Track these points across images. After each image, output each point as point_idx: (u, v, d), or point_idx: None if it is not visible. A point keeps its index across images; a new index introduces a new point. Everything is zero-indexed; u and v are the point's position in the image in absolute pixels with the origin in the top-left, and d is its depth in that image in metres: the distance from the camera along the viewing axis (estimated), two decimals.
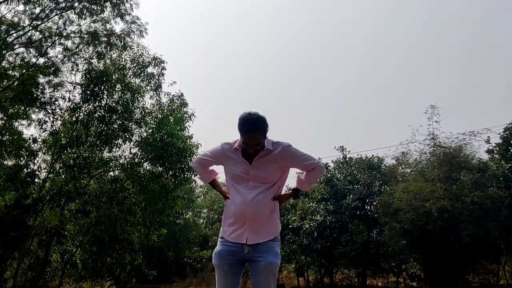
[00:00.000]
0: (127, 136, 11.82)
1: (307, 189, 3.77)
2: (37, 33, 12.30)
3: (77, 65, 12.30)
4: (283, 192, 3.67)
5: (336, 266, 20.83)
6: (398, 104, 58.37)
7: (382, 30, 64.31)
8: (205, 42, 70.00)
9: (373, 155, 22.17)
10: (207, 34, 71.56)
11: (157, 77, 12.41)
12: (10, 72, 12.51)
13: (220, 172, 3.93)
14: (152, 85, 12.39)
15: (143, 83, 12.30)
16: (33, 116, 13.25)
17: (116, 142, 11.82)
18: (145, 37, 12.72)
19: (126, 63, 12.24)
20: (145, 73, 12.30)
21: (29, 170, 11.38)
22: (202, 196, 32.33)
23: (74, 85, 11.60)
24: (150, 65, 12.38)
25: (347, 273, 21.83)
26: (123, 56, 12.32)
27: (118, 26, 12.50)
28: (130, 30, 12.30)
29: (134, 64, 12.29)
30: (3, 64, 12.30)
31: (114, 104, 11.57)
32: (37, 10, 11.94)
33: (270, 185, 3.44)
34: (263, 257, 3.33)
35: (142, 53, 12.42)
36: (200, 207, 33.41)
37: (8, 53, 12.16)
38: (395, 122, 56.63)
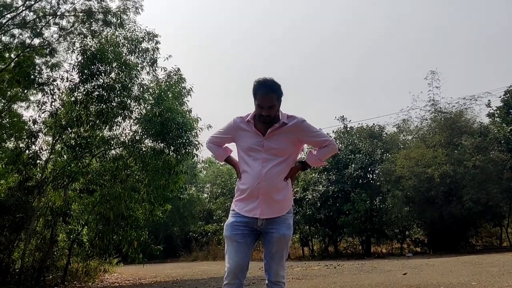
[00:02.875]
0: (127, 114, 11.76)
1: (317, 165, 3.70)
2: (31, 13, 12.14)
3: (73, 44, 12.17)
4: None
5: (340, 235, 21.06)
6: (398, 70, 58.04)
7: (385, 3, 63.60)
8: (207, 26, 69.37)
9: (374, 124, 22.23)
10: (211, 18, 70.87)
11: (152, 52, 12.29)
12: (7, 54, 12.40)
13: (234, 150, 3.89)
14: (148, 61, 12.28)
15: (138, 59, 12.18)
16: (32, 98, 13.19)
17: (116, 120, 11.77)
18: (141, 14, 12.59)
19: (120, 40, 12.10)
20: (140, 49, 12.17)
21: (31, 151, 11.36)
22: (204, 171, 32.44)
23: (71, 65, 11.48)
24: (144, 41, 12.25)
25: (351, 241, 22.08)
26: (116, 33, 12.17)
27: (113, 3, 12.34)
28: (126, 7, 12.13)
29: (127, 41, 12.15)
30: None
31: (112, 82, 11.48)
32: None
33: (283, 158, 3.41)
34: (276, 229, 3.34)
35: (135, 29, 12.28)
36: (203, 182, 33.57)
37: (2, 34, 12.03)
38: (396, 89, 56.44)
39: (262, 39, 71.09)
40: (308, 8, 68.37)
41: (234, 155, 3.75)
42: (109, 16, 11.93)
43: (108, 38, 12.05)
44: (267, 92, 3.34)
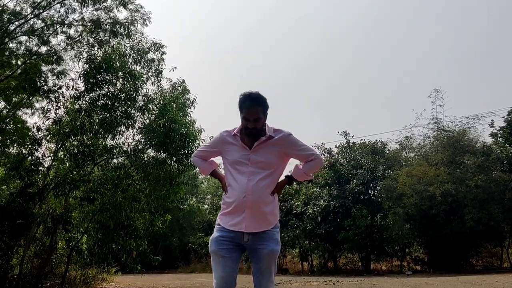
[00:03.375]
0: (130, 123, 11.80)
1: (302, 179, 3.68)
2: (39, 21, 12.26)
3: (80, 53, 12.26)
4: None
5: (340, 251, 20.95)
6: (402, 88, 58.12)
7: (386, 14, 63.89)
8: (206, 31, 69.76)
9: (376, 140, 22.22)
10: (209, 22, 71.31)
11: (157, 62, 12.34)
12: (14, 61, 12.49)
13: (220, 163, 3.89)
14: (153, 71, 12.33)
15: (144, 69, 12.25)
16: (37, 105, 13.26)
17: (119, 129, 11.81)
18: (148, 26, 12.68)
19: (126, 50, 12.18)
20: (145, 59, 12.22)
21: (33, 158, 11.39)
22: (206, 182, 32.41)
23: (77, 73, 11.56)
24: (150, 51, 12.30)
25: (351, 258, 21.95)
26: (122, 43, 12.24)
27: (121, 15, 12.43)
28: (134, 19, 12.23)
29: (133, 51, 12.22)
30: (6, 54, 12.29)
31: (117, 92, 11.54)
32: None
33: (270, 172, 3.41)
34: (264, 245, 3.33)
35: (141, 39, 12.34)
36: (204, 193, 33.53)
37: (10, 41, 12.14)
38: (399, 106, 56.49)
39: (261, 46, 71.40)
40: (309, 16, 68.70)
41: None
42: (117, 26, 12.02)
43: (115, 47, 12.12)
44: (253, 105, 3.37)
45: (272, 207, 3.42)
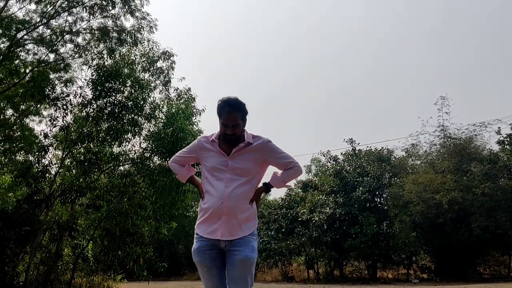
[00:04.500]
0: (137, 131, 11.84)
1: (280, 187, 3.64)
2: (48, 30, 12.36)
3: (88, 61, 12.33)
4: None
5: (346, 259, 20.84)
6: (408, 95, 58.04)
7: (393, 21, 63.92)
8: (211, 36, 70.01)
9: (382, 147, 22.14)
10: (213, 28, 71.57)
11: (166, 72, 12.37)
12: (22, 69, 12.59)
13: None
14: (162, 79, 12.37)
15: (152, 77, 12.29)
16: (44, 113, 13.34)
17: (126, 136, 11.85)
18: (155, 33, 12.73)
19: (136, 58, 12.24)
20: (155, 68, 12.27)
21: (40, 165, 11.45)
22: None
23: (85, 81, 11.63)
24: (160, 60, 12.35)
25: (357, 266, 21.83)
26: (132, 51, 12.30)
27: (128, 22, 12.50)
28: (140, 26, 12.29)
29: (144, 59, 12.28)
30: (15, 62, 12.39)
31: (124, 100, 11.59)
32: (48, 8, 11.98)
33: (248, 179, 3.36)
34: (239, 251, 3.25)
35: (152, 47, 12.38)
36: None
37: (19, 49, 12.24)
38: (405, 114, 56.38)
39: (267, 51, 71.53)
40: (314, 22, 68.85)
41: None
42: (124, 34, 12.08)
43: (122, 54, 12.19)
44: (231, 111, 3.34)
45: (249, 214, 3.37)
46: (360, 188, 19.51)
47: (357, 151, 22.40)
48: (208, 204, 3.36)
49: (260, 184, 3.54)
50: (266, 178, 3.62)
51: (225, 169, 3.36)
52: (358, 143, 22.72)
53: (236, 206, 3.29)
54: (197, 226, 3.45)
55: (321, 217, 19.84)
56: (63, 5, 11.97)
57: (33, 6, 12.10)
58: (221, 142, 3.44)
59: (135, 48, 12.30)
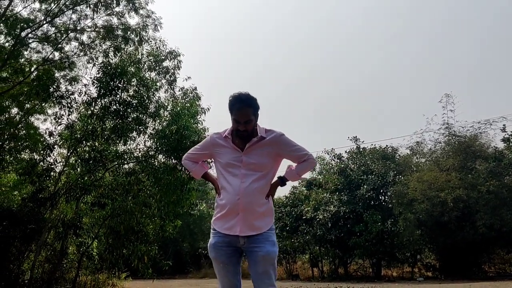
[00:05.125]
0: (142, 129, 11.85)
1: (295, 179, 3.65)
2: (53, 28, 12.37)
3: (92, 59, 12.33)
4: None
5: (351, 257, 20.84)
6: (413, 93, 57.89)
7: (398, 20, 63.76)
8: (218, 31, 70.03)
9: (387, 145, 22.12)
10: (221, 24, 71.58)
11: (172, 71, 12.37)
12: (27, 68, 12.61)
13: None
14: (168, 78, 12.37)
15: (158, 76, 12.30)
16: (49, 111, 13.36)
17: (130, 135, 11.87)
18: (160, 31, 12.72)
19: (142, 57, 12.25)
20: (161, 67, 12.28)
21: (45, 163, 11.47)
22: None
23: (90, 79, 11.64)
24: (166, 59, 12.34)
25: (361, 264, 21.82)
26: (139, 50, 12.31)
27: (133, 20, 12.50)
28: (145, 24, 12.28)
29: (150, 58, 12.30)
30: (20, 61, 12.41)
31: (129, 98, 11.61)
32: (53, 6, 11.99)
33: (263, 174, 3.34)
34: (260, 247, 3.24)
35: (159, 46, 12.38)
36: (214, 199, 33.48)
37: (23, 48, 12.26)
38: (410, 112, 56.24)
39: (272, 51, 71.41)
40: (318, 22, 68.74)
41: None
42: (129, 32, 12.08)
43: (129, 53, 12.20)
44: (243, 107, 3.30)
45: (266, 209, 3.36)
46: (365, 186, 19.50)
47: (361, 149, 22.37)
48: (224, 201, 3.36)
49: (275, 178, 3.52)
50: (280, 171, 3.60)
51: (240, 165, 3.34)
52: (363, 141, 22.69)
53: (252, 201, 3.29)
54: (213, 222, 3.45)
55: (325, 215, 19.84)
56: (67, 3, 11.97)
57: (37, 5, 12.12)
58: (234, 137, 3.41)
59: (141, 47, 12.30)
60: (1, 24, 11.94)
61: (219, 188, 3.46)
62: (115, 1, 11.92)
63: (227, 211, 3.32)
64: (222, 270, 3.35)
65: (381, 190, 20.00)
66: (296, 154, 3.50)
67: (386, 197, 20.27)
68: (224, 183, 3.39)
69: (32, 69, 12.58)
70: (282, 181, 3.55)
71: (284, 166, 3.63)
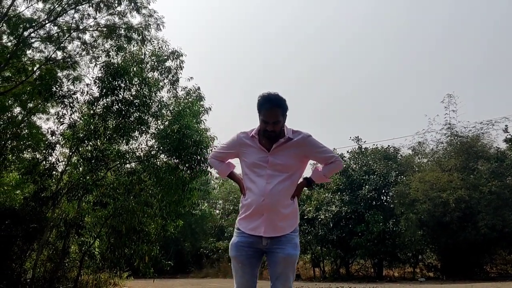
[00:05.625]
0: (144, 129, 11.86)
1: (321, 181, 3.62)
2: (55, 27, 12.39)
3: (95, 58, 12.36)
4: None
5: (352, 257, 20.83)
6: (415, 93, 57.81)
7: (401, 20, 63.69)
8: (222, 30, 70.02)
9: (389, 145, 22.08)
10: (225, 23, 71.57)
11: (174, 71, 12.39)
12: (30, 67, 12.64)
13: (237, 164, 3.82)
14: (170, 78, 12.38)
15: (161, 76, 12.32)
16: (52, 110, 13.39)
17: (133, 134, 11.88)
18: (162, 31, 12.74)
19: (145, 57, 12.27)
20: (163, 67, 12.29)
21: (47, 163, 11.49)
22: (217, 188, 32.48)
23: (92, 78, 11.66)
24: (169, 59, 12.36)
25: (363, 264, 21.82)
26: (143, 50, 12.33)
27: (135, 20, 12.51)
28: (147, 24, 12.30)
29: (153, 58, 12.32)
30: (23, 60, 12.44)
31: (131, 98, 11.63)
32: (55, 6, 12.02)
33: (288, 174, 3.32)
34: (282, 248, 3.24)
35: (162, 46, 12.40)
36: (216, 198, 33.58)
37: (26, 48, 12.28)
38: (412, 112, 56.20)
39: (274, 51, 71.36)
40: (320, 23, 68.66)
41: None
42: (131, 32, 12.10)
43: (132, 53, 12.22)
44: (272, 107, 3.29)
45: (291, 210, 3.34)
46: (366, 186, 19.48)
47: (363, 149, 22.36)
48: (249, 201, 3.35)
49: (301, 179, 3.51)
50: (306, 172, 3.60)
51: (266, 165, 3.33)
52: (365, 141, 22.68)
53: (277, 202, 3.27)
54: (238, 221, 3.44)
55: (327, 215, 19.84)
56: (70, 2, 11.99)
57: (40, 5, 12.16)
58: (261, 137, 3.40)
59: (144, 46, 12.32)
60: (4, 24, 11.97)
61: (244, 188, 3.44)
62: (116, 1, 11.94)
63: (252, 212, 3.31)
64: (240, 270, 3.34)
65: (383, 190, 19.99)
66: (323, 156, 3.48)
67: (388, 197, 20.26)
68: (249, 184, 3.39)
69: (35, 68, 12.61)
70: (308, 182, 3.54)
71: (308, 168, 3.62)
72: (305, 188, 3.64)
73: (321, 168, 3.54)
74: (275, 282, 3.28)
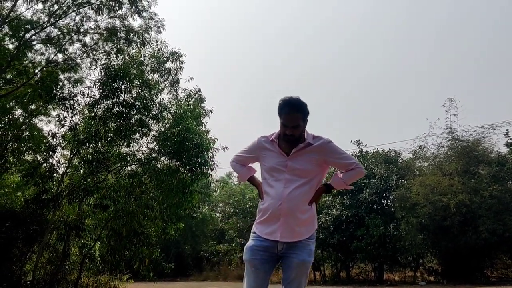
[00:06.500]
0: (145, 131, 11.88)
1: (341, 187, 3.55)
2: (56, 30, 12.42)
3: (95, 60, 12.38)
4: None
5: (353, 261, 20.79)
6: (416, 97, 57.85)
7: (401, 23, 63.76)
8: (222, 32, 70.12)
9: (390, 149, 22.02)
10: (224, 24, 71.69)
11: (175, 72, 12.41)
12: (31, 69, 12.66)
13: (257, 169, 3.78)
14: (170, 80, 12.41)
15: (161, 77, 12.34)
16: (53, 113, 13.41)
17: (133, 137, 11.90)
18: (163, 33, 12.76)
19: (145, 59, 12.29)
20: (163, 68, 12.32)
21: (48, 165, 11.51)
22: (218, 190, 32.46)
23: (93, 81, 11.69)
24: (169, 60, 12.39)
25: (363, 268, 21.77)
26: (142, 52, 12.36)
27: (136, 22, 12.54)
28: (148, 26, 12.33)
29: (153, 59, 12.34)
30: (25, 63, 12.46)
31: (132, 100, 11.64)
32: (55, 7, 12.05)
33: (307, 180, 3.29)
34: (297, 254, 3.22)
35: (161, 48, 12.43)
36: (216, 201, 33.55)
37: (27, 50, 12.31)
38: (413, 115, 56.19)
39: (273, 52, 71.47)
40: (319, 28, 68.77)
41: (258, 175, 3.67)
42: (131, 34, 12.13)
43: (131, 55, 12.25)
44: (292, 112, 3.28)
45: (308, 216, 3.33)
46: (367, 190, 19.46)
47: (364, 153, 22.34)
48: (266, 205, 3.32)
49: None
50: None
51: (284, 170, 3.31)
52: (365, 145, 22.66)
53: (295, 207, 3.24)
54: (255, 225, 3.42)
55: (327, 218, 19.82)
56: (70, 4, 12.02)
57: (40, 6, 12.18)
58: (280, 141, 3.39)
59: (144, 48, 12.34)
60: (6, 26, 12.00)
61: (262, 193, 3.42)
62: (118, 4, 11.97)
63: (268, 216, 3.29)
64: (252, 274, 3.31)
65: (384, 194, 19.96)
66: (343, 162, 3.44)
67: (389, 201, 20.21)
68: (267, 188, 3.37)
69: (36, 70, 12.63)
70: (327, 188, 3.50)
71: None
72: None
73: (342, 175, 3.49)
74: (287, 286, 3.26)
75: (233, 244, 24.91)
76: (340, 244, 19.74)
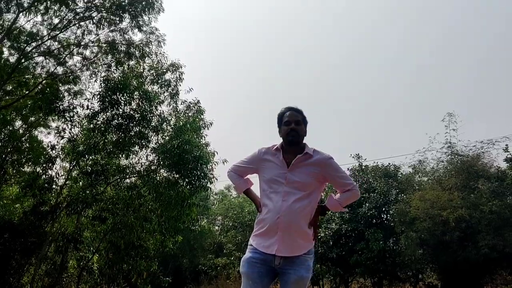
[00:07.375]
0: (144, 143, 11.88)
1: (336, 210, 3.54)
2: (56, 43, 12.49)
3: (95, 73, 12.44)
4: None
5: (352, 275, 20.67)
6: (415, 111, 57.98)
7: (399, 35, 64.10)
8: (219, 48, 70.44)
9: (389, 163, 21.96)
10: (223, 37, 72.04)
11: (174, 84, 12.46)
12: (31, 81, 12.71)
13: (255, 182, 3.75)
14: (170, 91, 12.45)
15: (161, 89, 12.38)
16: (53, 124, 13.44)
17: (133, 149, 11.90)
18: (163, 47, 12.83)
19: (144, 71, 12.34)
20: (163, 80, 12.36)
21: (47, 176, 11.50)
22: (217, 204, 32.38)
23: (92, 93, 11.72)
24: (168, 72, 12.45)
25: (362, 282, 21.64)
26: (141, 64, 12.41)
27: (136, 36, 12.63)
28: (149, 41, 12.41)
29: (152, 71, 12.39)
30: (26, 75, 12.52)
31: (131, 112, 11.66)
32: (56, 21, 12.14)
33: (305, 193, 3.29)
34: (295, 270, 3.21)
35: (160, 59, 12.49)
36: (215, 214, 33.47)
37: (28, 62, 12.37)
38: (412, 130, 56.24)
39: (274, 63, 71.71)
40: (319, 38, 69.10)
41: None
42: (132, 48, 12.20)
43: (131, 67, 12.30)
44: (292, 112, 3.45)
45: (306, 231, 3.30)
46: (367, 204, 19.40)
47: (363, 167, 22.31)
48: (264, 218, 3.32)
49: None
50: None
51: (283, 182, 3.31)
52: (365, 159, 22.60)
53: (293, 221, 3.23)
54: (252, 238, 3.41)
55: (327, 233, 19.73)
56: (70, 18, 12.11)
57: (39, 18, 12.26)
58: (284, 151, 3.42)
59: (143, 61, 12.41)
60: (7, 41, 12.07)
61: (260, 206, 3.41)
62: (118, 19, 12.06)
63: (266, 229, 3.28)
64: (249, 287, 3.27)
65: (383, 209, 19.88)
66: (341, 181, 3.47)
67: (388, 215, 20.13)
68: (266, 200, 3.36)
69: (36, 82, 12.68)
70: (322, 209, 3.49)
71: None
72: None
73: (337, 197, 3.50)
74: None
75: (232, 258, 24.77)
76: (339, 259, 19.62)
